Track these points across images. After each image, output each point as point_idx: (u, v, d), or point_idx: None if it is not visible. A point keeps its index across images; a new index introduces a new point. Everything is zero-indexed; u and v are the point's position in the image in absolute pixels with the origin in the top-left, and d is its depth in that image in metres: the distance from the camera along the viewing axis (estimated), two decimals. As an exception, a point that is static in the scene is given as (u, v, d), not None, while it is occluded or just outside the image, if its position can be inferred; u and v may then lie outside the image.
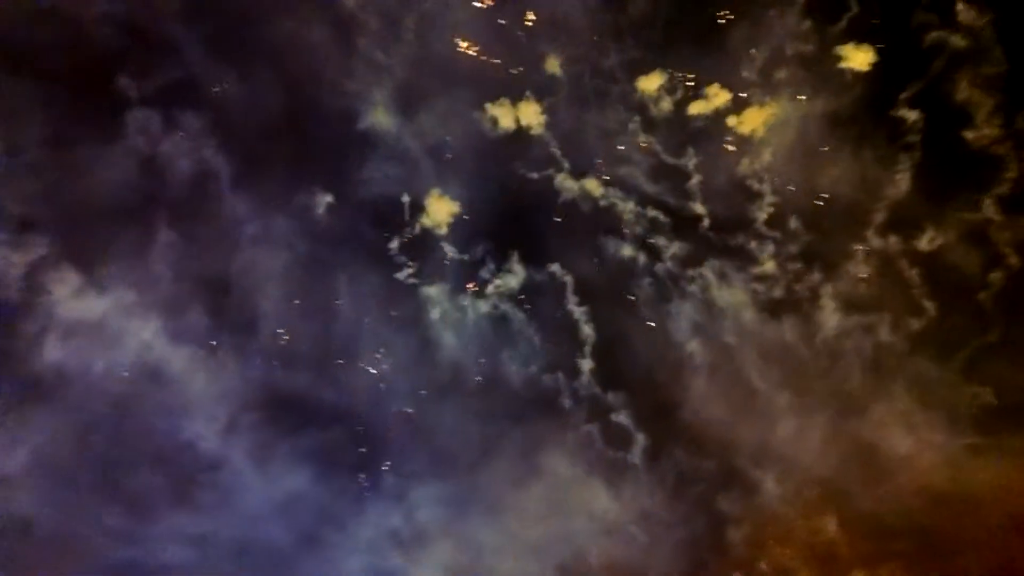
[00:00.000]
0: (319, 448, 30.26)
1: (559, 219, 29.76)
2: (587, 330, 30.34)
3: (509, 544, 30.08)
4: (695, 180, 29.51)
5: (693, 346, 29.76)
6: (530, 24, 29.52)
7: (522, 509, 30.21)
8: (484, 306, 30.24)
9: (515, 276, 30.03)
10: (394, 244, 29.83)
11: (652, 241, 29.70)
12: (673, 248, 29.91)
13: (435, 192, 30.04)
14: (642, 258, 30.00)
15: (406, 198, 29.96)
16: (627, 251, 30.02)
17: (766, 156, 29.41)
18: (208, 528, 29.33)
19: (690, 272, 30.10)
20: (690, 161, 29.41)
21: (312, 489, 30.03)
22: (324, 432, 30.38)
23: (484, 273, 30.22)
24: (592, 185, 30.23)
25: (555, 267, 30.13)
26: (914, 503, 26.31)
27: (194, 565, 29.34)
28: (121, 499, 29.11)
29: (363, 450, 30.49)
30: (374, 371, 30.34)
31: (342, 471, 30.43)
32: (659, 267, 30.23)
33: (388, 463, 30.53)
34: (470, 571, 30.13)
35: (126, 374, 28.71)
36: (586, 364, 30.32)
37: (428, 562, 30.16)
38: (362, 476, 30.42)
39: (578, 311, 30.41)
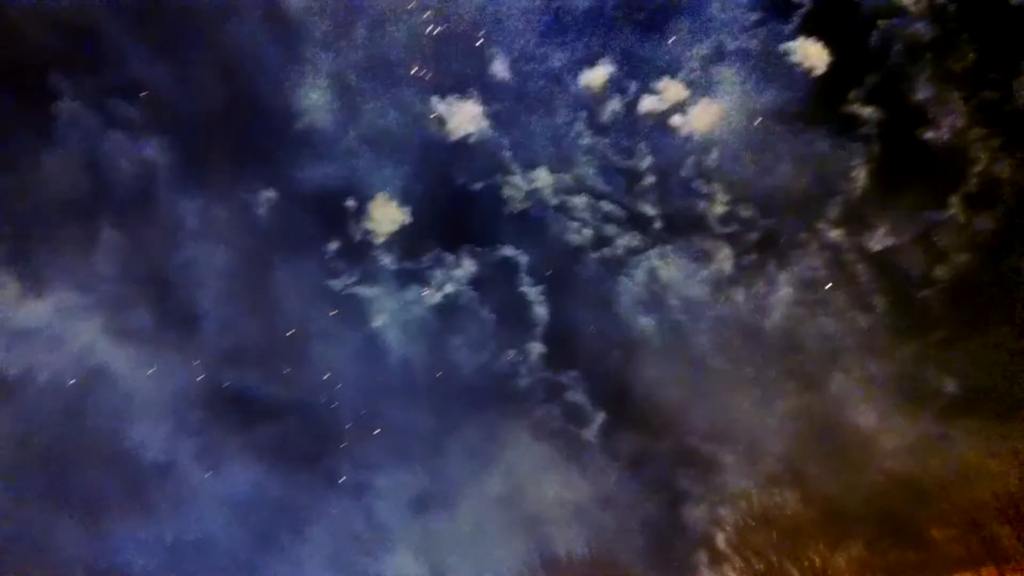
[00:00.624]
0: (270, 446, 29.56)
1: (509, 214, 29.48)
2: (540, 313, 30.00)
3: (470, 534, 29.46)
4: (646, 177, 29.31)
5: (644, 326, 29.49)
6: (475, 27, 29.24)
7: (481, 497, 29.62)
8: (432, 301, 29.94)
9: (462, 270, 29.66)
10: (336, 245, 29.68)
11: (603, 232, 29.34)
12: (624, 239, 29.54)
13: (381, 196, 29.50)
14: (593, 246, 29.97)
15: (352, 201, 29.76)
16: (578, 239, 29.71)
17: (715, 152, 29.29)
18: (160, 530, 28.81)
19: (639, 258, 29.81)
20: (641, 160, 29.05)
21: (265, 487, 29.35)
22: (275, 430, 29.78)
23: (431, 271, 29.96)
24: (542, 179, 29.77)
25: (506, 253, 29.66)
26: (873, 484, 25.85)
27: (151, 568, 28.68)
28: (73, 504, 28.72)
29: (317, 447, 29.97)
30: (324, 368, 29.97)
31: (295, 468, 29.77)
32: (607, 252, 29.91)
33: (343, 458, 30.08)
34: (433, 563, 29.62)
35: (72, 381, 28.38)
36: (537, 347, 29.98)
37: (389, 555, 29.62)
38: (317, 473, 29.94)
39: (532, 292, 30.04)
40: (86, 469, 28.46)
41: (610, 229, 30.04)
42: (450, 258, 30.48)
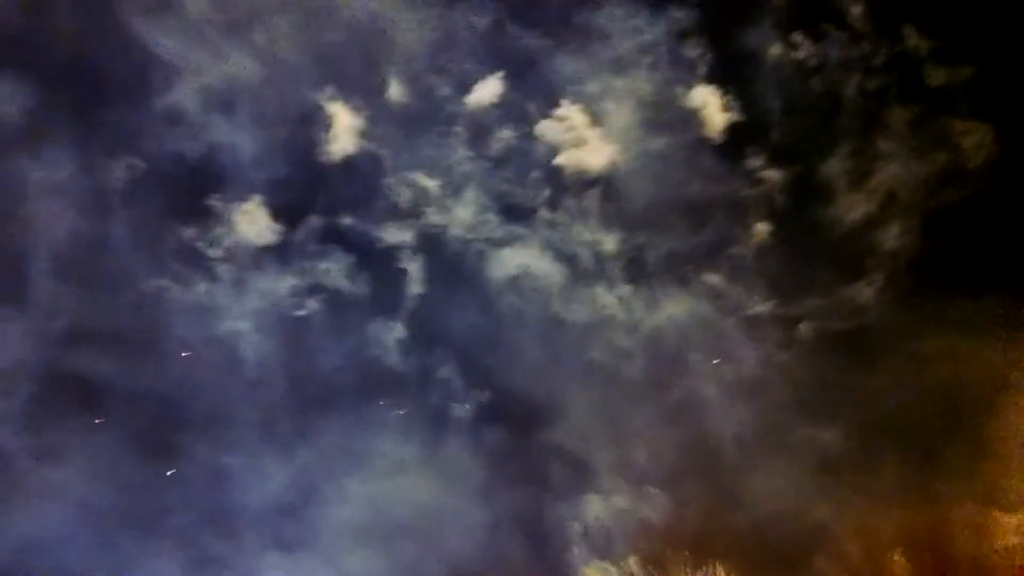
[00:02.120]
0: (118, 434, 27.82)
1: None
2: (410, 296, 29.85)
3: (334, 530, 28.58)
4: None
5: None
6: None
7: (346, 492, 28.84)
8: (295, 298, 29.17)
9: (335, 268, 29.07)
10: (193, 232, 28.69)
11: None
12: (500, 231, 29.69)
13: (253, 200, 28.46)
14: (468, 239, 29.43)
15: (218, 202, 28.54)
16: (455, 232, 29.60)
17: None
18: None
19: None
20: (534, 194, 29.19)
21: (115, 476, 27.55)
22: (123, 417, 27.98)
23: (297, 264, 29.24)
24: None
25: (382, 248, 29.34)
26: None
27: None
28: None
29: (169, 436, 28.29)
30: (173, 358, 28.54)
31: (140, 461, 28.08)
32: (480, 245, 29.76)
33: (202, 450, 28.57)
34: (294, 555, 28.50)
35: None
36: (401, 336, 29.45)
37: (250, 545, 28.32)
38: (170, 463, 28.45)
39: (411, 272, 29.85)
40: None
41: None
42: (319, 265, 29.74)
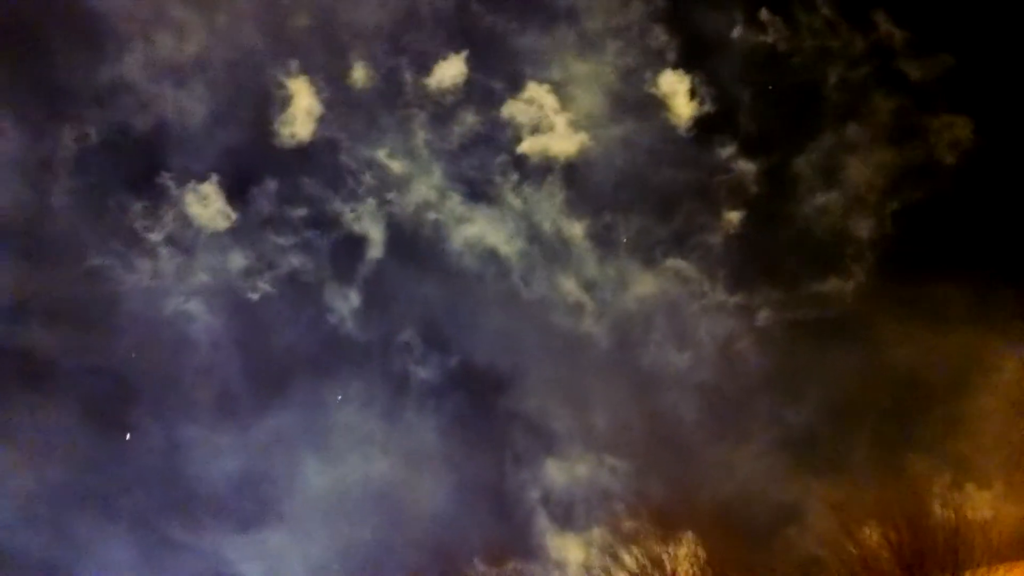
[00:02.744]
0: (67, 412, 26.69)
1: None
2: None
3: (295, 505, 27.72)
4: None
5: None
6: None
7: (305, 466, 27.93)
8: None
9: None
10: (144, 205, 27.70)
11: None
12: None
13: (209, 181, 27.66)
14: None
15: (170, 181, 27.65)
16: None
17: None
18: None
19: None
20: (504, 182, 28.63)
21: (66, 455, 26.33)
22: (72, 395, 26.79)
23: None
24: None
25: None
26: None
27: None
28: None
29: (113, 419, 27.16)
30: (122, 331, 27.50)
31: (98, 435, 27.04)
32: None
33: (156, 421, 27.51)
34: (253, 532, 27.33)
35: None
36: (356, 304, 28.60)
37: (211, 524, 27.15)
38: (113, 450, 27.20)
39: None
40: None
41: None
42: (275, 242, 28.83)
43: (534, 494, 27.42)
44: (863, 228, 28.41)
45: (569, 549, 26.46)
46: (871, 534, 21.13)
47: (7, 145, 27.04)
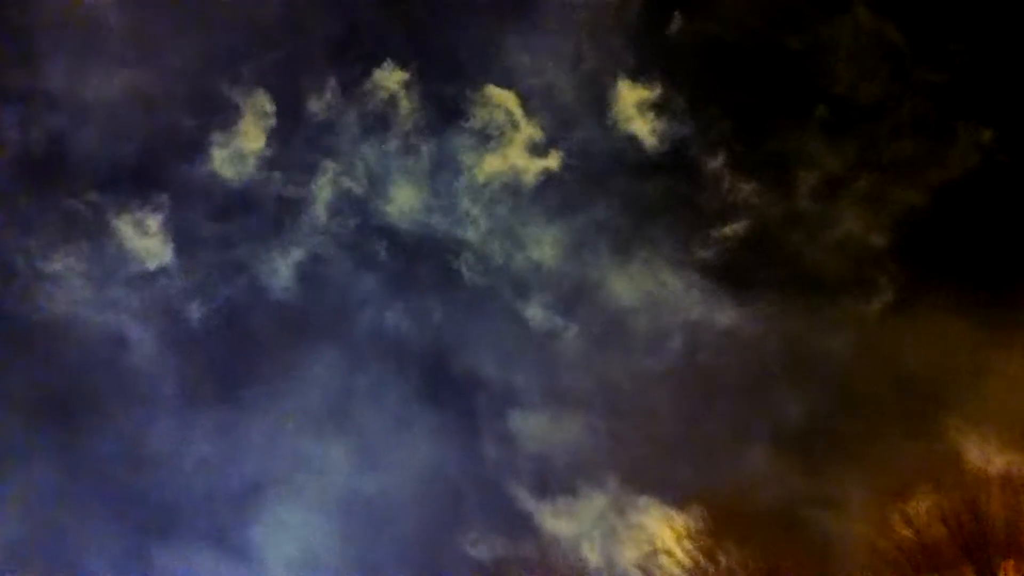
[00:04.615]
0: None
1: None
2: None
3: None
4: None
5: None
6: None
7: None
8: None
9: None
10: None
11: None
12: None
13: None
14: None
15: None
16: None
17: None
18: None
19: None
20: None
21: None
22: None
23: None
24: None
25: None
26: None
27: None
28: None
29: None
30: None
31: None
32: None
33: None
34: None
35: None
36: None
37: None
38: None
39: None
40: None
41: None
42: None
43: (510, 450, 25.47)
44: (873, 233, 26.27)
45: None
46: (928, 520, 19.09)
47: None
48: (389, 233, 28.11)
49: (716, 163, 25.65)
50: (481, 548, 24.94)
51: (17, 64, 25.80)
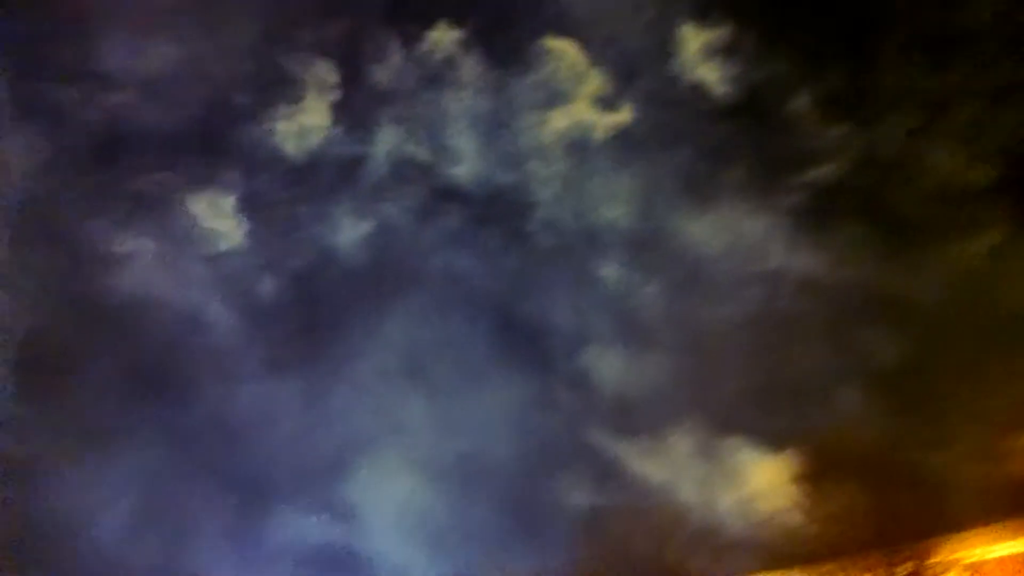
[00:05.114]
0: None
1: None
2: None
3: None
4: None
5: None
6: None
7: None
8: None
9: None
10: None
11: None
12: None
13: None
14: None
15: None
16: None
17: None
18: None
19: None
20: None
21: None
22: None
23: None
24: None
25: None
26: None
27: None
28: None
29: None
30: None
31: None
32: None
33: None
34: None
35: None
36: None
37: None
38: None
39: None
40: None
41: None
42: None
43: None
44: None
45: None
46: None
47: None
48: (457, 196, 28.10)
49: (797, 105, 25.38)
50: (576, 496, 25.95)
51: (74, 43, 25.30)
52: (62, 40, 25.45)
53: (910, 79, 24.42)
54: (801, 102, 25.00)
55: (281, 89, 26.66)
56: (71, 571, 24.06)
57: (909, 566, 18.69)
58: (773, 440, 22.81)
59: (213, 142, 27.26)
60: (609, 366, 26.50)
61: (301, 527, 26.52)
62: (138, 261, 26.61)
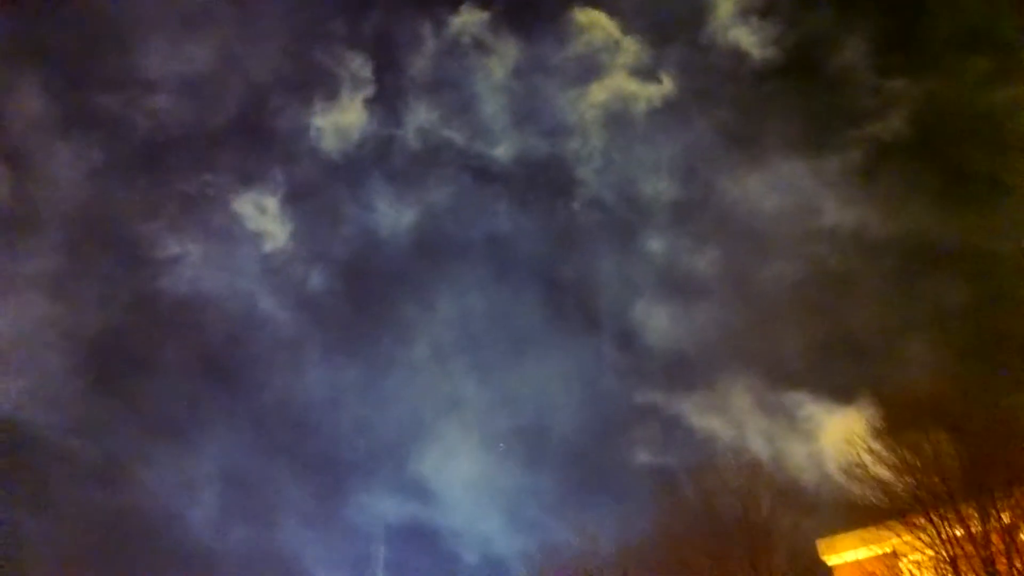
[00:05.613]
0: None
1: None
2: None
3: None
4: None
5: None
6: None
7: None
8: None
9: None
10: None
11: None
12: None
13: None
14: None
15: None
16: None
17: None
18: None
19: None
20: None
21: None
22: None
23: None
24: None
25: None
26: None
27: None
28: None
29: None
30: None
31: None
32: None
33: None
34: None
35: None
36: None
37: None
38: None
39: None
40: None
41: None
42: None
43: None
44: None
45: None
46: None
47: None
48: (498, 176, 27.70)
49: (845, 59, 24.27)
50: (642, 456, 25.97)
51: (115, 51, 25.26)
52: (104, 50, 25.43)
53: (973, 20, 23.06)
54: (849, 55, 23.93)
55: (317, 85, 26.39)
56: (166, 565, 24.92)
57: (1006, 516, 18.12)
58: (840, 394, 22.42)
59: (253, 141, 27.24)
60: (658, 323, 26.30)
61: (379, 506, 27.06)
62: (190, 262, 26.98)
